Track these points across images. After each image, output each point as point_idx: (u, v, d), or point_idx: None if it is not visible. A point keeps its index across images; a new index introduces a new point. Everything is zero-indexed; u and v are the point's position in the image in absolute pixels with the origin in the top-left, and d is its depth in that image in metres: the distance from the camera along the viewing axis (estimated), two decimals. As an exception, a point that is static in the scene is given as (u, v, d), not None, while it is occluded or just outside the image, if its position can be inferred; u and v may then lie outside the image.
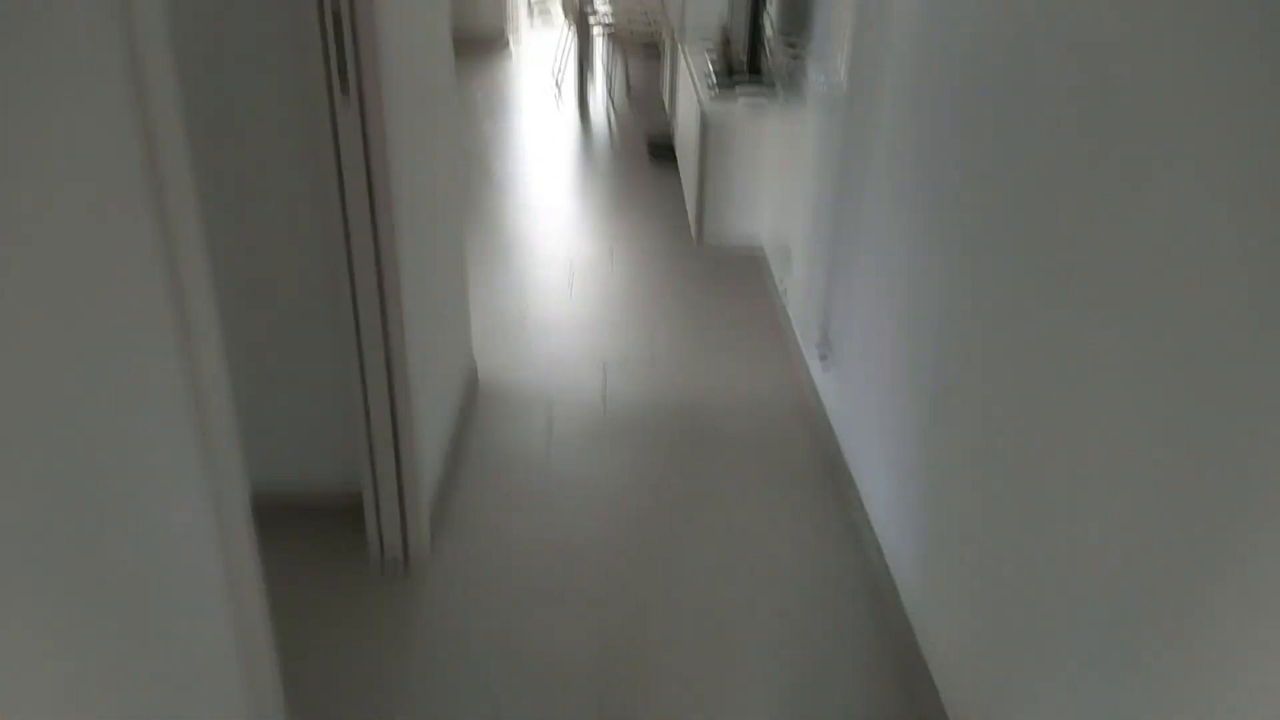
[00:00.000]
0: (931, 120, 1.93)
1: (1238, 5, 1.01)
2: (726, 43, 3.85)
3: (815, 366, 2.89)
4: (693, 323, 3.42)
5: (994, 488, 1.58)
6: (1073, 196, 1.34)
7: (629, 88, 7.15)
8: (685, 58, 3.82)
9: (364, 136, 1.76)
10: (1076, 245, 1.33)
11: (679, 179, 4.76)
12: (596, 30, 7.39)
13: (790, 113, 3.02)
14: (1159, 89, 1.14)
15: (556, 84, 7.21)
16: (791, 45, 3.20)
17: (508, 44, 8.60)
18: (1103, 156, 1.26)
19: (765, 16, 3.14)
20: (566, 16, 6.79)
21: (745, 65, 3.21)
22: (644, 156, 5.44)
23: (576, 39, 6.49)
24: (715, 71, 3.42)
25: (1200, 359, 1.05)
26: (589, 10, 6.62)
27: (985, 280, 1.63)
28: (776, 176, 3.07)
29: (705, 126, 2.99)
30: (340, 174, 1.79)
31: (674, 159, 4.93)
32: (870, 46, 2.33)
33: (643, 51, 8.34)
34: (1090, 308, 1.28)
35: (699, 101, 3.16)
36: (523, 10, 9.37)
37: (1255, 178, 0.97)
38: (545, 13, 10.49)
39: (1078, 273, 1.32)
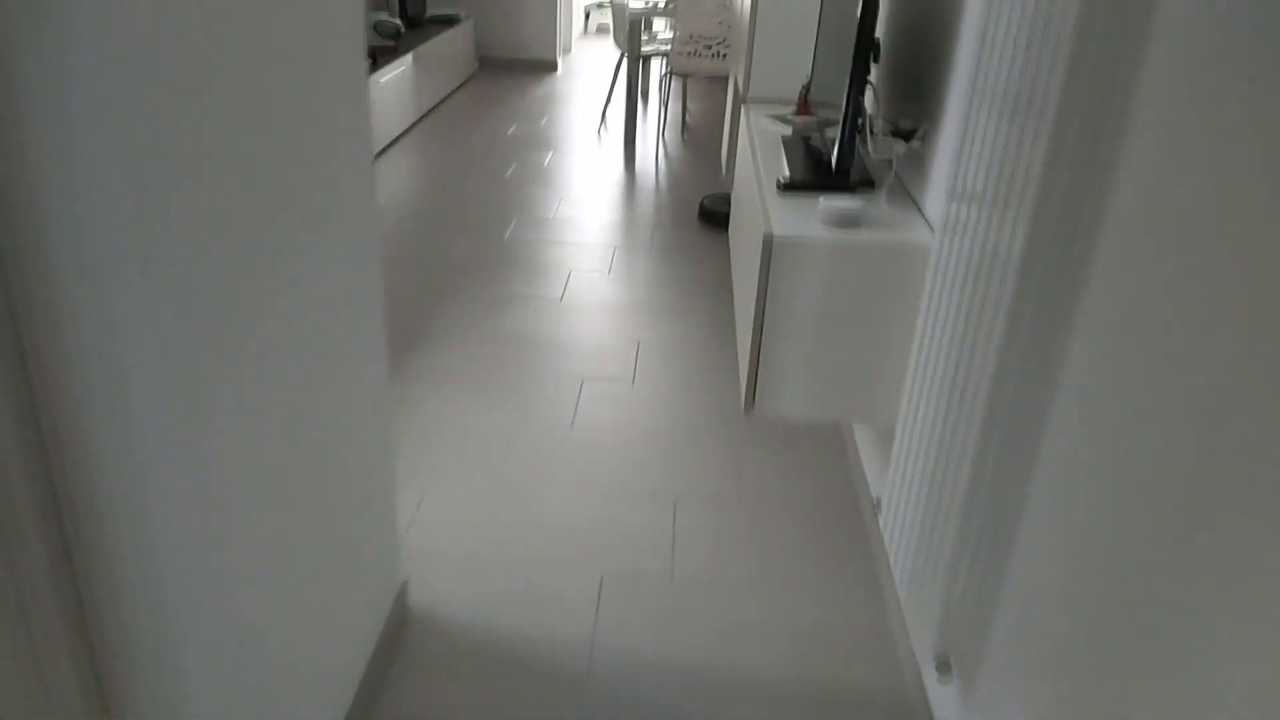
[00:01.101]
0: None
1: None
2: (809, 114, 2.81)
3: (925, 656, 1.84)
4: (735, 524, 2.37)
5: None
6: None
7: (685, 128, 6.13)
8: (750, 128, 2.80)
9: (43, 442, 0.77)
10: None
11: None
12: (653, 59, 6.41)
13: (902, 236, 2.00)
14: None
15: (602, 118, 6.22)
16: (905, 134, 2.15)
17: (555, 65, 7.65)
18: None
19: (869, 85, 2.11)
20: (617, 41, 5.80)
21: (835, 154, 2.18)
22: (694, 222, 4.42)
23: (628, 67, 5.49)
24: (789, 159, 2.39)
25: None
26: (644, 35, 5.62)
27: None
28: (876, 332, 2.04)
29: (769, 252, 1.97)
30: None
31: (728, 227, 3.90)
32: (1078, 141, 1.29)
33: (706, 85, 7.33)
34: None
35: (763, 208, 2.14)
36: (577, 24, 8.42)
37: None
38: (602, 27, 9.54)
39: None
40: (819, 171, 2.26)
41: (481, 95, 6.75)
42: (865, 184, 2.23)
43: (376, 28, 6.03)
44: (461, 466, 2.52)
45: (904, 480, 2.00)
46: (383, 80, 5.16)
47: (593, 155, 5.43)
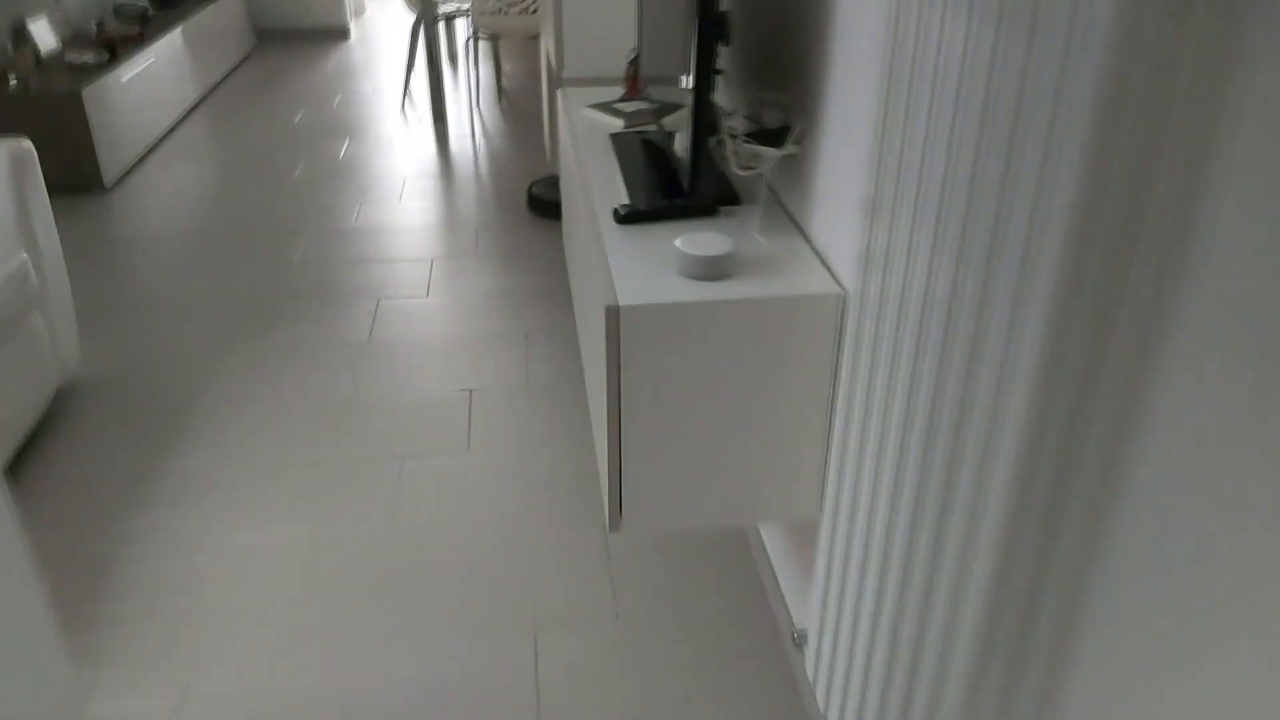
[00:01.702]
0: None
1: None
2: (639, 97, 2.24)
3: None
4: (615, 661, 1.84)
5: None
6: None
7: (502, 94, 5.45)
8: (570, 121, 2.20)
9: None
10: None
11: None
12: (457, 19, 5.66)
13: (793, 283, 1.48)
14: None
15: (405, 92, 5.46)
16: (774, 134, 1.61)
17: (347, 32, 6.77)
18: None
19: (719, 74, 1.56)
20: (410, 2, 5.04)
21: (686, 171, 1.64)
22: (524, 213, 3.80)
23: (426, 30, 4.76)
24: (625, 171, 1.82)
25: None
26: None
27: None
28: (775, 410, 1.53)
29: (617, 327, 1.42)
30: None
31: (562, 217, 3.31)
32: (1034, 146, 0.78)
33: (521, 43, 6.62)
34: None
35: (600, 253, 1.58)
36: (366, -16, 7.53)
37: None
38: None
39: None
40: (665, 186, 1.70)
41: (261, 76, 5.84)
42: (727, 200, 1.69)
43: (117, 12, 5.06)
44: (245, 624, 1.89)
45: (839, 606, 1.51)
46: (126, 78, 4.26)
47: (397, 139, 4.70)
